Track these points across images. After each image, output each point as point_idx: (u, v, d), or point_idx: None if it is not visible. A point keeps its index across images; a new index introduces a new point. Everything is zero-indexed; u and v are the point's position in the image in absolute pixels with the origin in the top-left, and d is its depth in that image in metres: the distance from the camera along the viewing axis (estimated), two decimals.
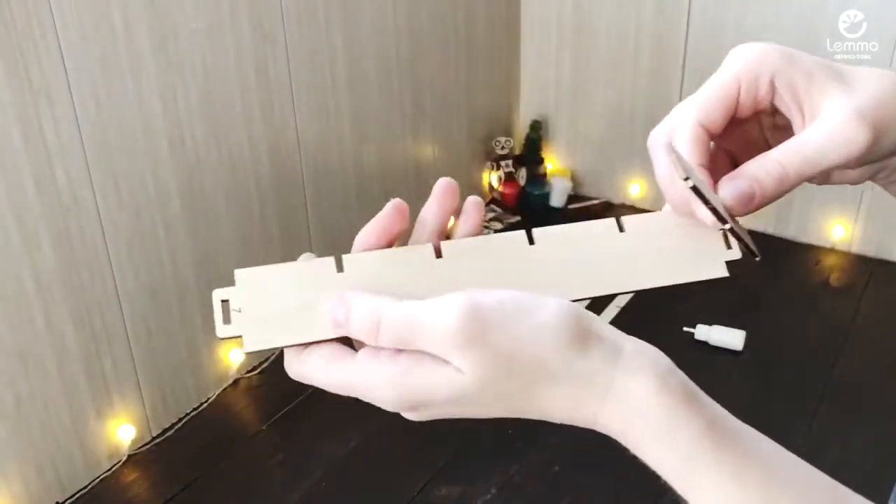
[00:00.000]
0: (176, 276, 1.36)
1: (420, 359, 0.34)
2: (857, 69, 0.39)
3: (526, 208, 2.13)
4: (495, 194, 2.15)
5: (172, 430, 1.40)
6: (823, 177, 0.43)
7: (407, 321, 0.34)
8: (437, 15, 1.79)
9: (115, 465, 1.32)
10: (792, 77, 0.39)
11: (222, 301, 0.36)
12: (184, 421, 1.42)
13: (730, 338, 1.56)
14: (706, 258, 0.41)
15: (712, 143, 0.41)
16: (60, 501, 1.25)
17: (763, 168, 0.38)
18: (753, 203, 0.39)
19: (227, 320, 0.36)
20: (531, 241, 0.40)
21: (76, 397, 1.25)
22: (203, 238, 1.39)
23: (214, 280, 1.42)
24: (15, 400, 1.16)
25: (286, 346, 0.36)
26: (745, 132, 0.43)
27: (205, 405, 1.46)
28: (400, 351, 0.35)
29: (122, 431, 1.32)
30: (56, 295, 1.18)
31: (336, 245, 1.67)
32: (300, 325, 0.36)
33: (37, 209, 1.12)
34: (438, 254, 0.39)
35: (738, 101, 0.39)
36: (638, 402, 0.34)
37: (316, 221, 1.61)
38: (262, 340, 0.36)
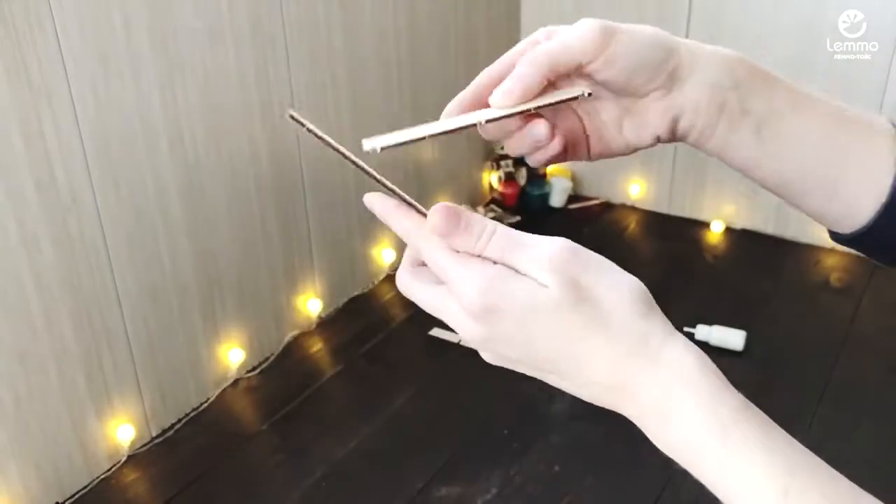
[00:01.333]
0: (175, 276, 1.36)
1: (508, 270, 0.38)
2: None
3: (526, 208, 2.13)
4: (495, 194, 2.15)
5: (172, 431, 1.40)
6: (615, 126, 0.48)
7: (514, 239, 0.38)
8: (437, 15, 1.79)
9: (114, 465, 1.32)
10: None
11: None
12: (184, 421, 1.42)
13: (730, 338, 1.56)
14: None
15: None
16: (60, 502, 1.25)
17: (520, 62, 0.44)
18: (515, 89, 0.43)
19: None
20: None
21: (76, 397, 1.25)
22: (203, 238, 1.39)
23: (214, 280, 1.42)
24: (14, 400, 1.16)
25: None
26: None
27: (204, 405, 1.46)
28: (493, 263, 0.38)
29: (122, 431, 1.32)
30: (56, 295, 1.18)
31: (336, 245, 1.67)
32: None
33: (36, 209, 1.12)
34: None
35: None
36: (687, 370, 0.37)
37: (316, 222, 1.61)
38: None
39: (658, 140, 0.48)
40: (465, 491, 1.25)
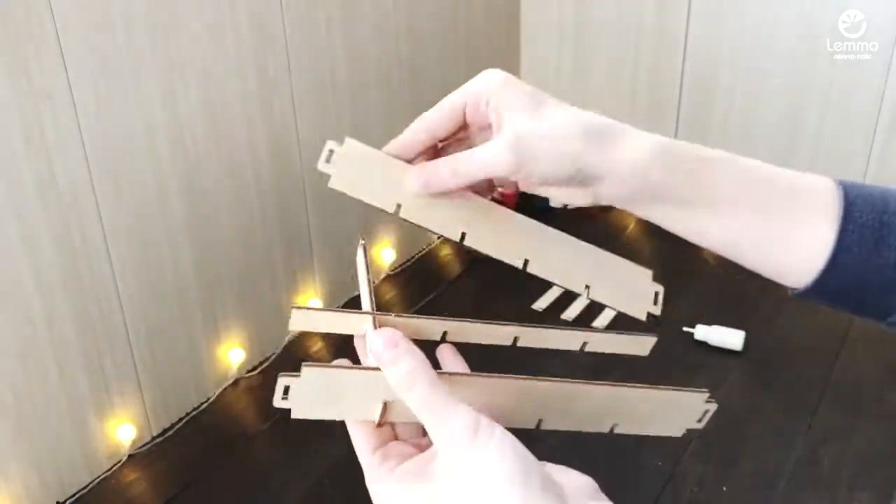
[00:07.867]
0: (176, 276, 1.36)
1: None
2: (569, 107, 0.48)
3: (526, 209, 2.12)
4: (495, 195, 2.15)
5: (173, 430, 1.40)
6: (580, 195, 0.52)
7: (430, 401, 0.38)
8: (437, 15, 1.80)
9: (115, 465, 1.32)
10: (499, 100, 0.46)
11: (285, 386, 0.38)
12: (184, 421, 1.42)
13: (729, 338, 1.56)
14: None
15: (440, 144, 0.51)
16: (61, 501, 1.25)
17: (444, 163, 0.48)
18: (431, 186, 0.48)
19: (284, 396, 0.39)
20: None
21: (76, 397, 1.25)
22: (203, 238, 1.39)
23: (215, 280, 1.42)
24: (15, 400, 1.16)
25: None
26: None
27: (205, 405, 1.46)
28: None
29: (123, 431, 1.32)
30: (56, 294, 1.18)
31: (336, 245, 1.67)
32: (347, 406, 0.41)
33: (37, 209, 1.13)
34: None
35: (465, 116, 0.48)
36: None
37: (316, 221, 1.61)
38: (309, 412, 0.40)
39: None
40: None
